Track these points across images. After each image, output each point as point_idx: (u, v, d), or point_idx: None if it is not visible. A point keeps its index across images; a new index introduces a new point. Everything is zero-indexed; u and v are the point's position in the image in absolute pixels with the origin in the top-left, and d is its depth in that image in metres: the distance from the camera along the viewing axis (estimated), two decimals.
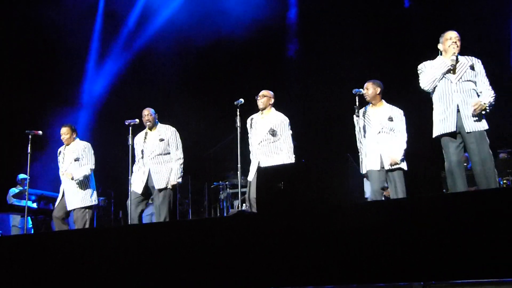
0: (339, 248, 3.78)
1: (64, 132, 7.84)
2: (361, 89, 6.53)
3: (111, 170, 10.62)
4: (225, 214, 9.83)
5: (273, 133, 6.88)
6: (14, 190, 10.68)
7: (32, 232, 9.72)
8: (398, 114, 6.60)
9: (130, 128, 7.31)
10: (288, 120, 7.04)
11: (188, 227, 4.74)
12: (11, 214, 10.24)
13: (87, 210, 7.59)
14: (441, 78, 5.64)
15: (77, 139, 7.91)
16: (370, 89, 6.59)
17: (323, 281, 3.75)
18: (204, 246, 4.33)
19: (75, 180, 7.53)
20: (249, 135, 7.10)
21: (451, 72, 5.62)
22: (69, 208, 7.57)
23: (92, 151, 7.83)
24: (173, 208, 7.31)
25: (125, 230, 5.53)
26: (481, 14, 9.24)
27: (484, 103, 5.49)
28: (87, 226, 7.51)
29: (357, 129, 6.57)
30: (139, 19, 12.55)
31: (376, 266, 3.61)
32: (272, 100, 7.06)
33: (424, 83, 5.73)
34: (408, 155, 6.55)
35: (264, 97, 7.00)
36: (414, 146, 9.61)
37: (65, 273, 4.89)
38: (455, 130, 5.51)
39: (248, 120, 7.13)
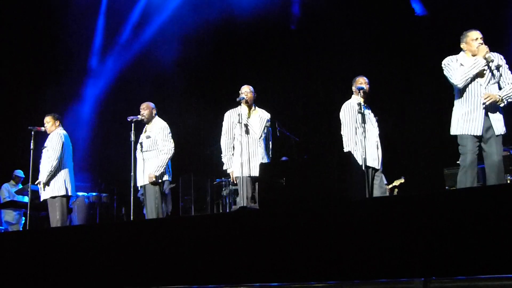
0: (341, 244, 3.79)
1: (46, 120, 7.78)
2: (363, 86, 6.56)
3: (114, 167, 10.65)
4: (227, 211, 9.85)
5: (266, 129, 7.03)
6: (6, 186, 10.72)
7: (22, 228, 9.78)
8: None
9: (133, 124, 7.31)
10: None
11: (191, 223, 4.76)
12: (5, 210, 10.27)
13: (59, 199, 7.52)
14: (473, 78, 5.68)
15: (59, 128, 7.82)
16: (367, 84, 6.66)
17: (325, 277, 3.77)
18: (206, 242, 4.35)
19: (45, 179, 7.53)
20: (230, 129, 7.08)
21: (480, 74, 5.65)
22: (42, 198, 7.60)
23: (62, 140, 7.64)
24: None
25: (127, 225, 5.55)
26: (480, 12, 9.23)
27: (499, 96, 5.57)
28: (63, 216, 7.48)
29: (352, 125, 6.60)
30: (142, 14, 12.53)
31: (378, 262, 3.62)
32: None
33: (458, 79, 5.69)
34: (410, 153, 6.58)
35: (251, 93, 7.08)
36: (417, 144, 9.65)
37: (68, 268, 4.91)
38: (480, 134, 5.59)
39: (232, 114, 7.11)
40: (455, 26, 6.95)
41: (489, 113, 5.60)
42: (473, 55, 5.71)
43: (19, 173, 10.73)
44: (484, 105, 5.58)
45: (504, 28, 9.26)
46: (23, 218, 10.28)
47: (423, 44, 9.70)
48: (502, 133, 5.61)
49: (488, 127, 5.58)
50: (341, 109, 6.70)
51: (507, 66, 5.77)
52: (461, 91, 5.74)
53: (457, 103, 5.82)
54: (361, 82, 6.63)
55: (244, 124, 6.87)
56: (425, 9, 10.27)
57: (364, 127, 6.33)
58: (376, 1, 10.33)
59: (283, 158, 9.25)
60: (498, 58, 5.75)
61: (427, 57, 9.10)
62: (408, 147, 9.57)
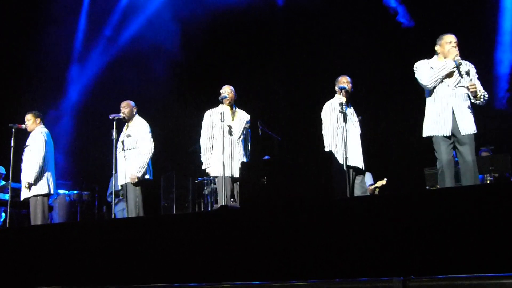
0: (321, 243, 3.81)
1: (27, 118, 7.74)
2: (345, 85, 6.57)
3: (95, 165, 10.58)
4: (209, 209, 9.84)
5: (245, 130, 7.06)
6: None
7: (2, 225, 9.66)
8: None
9: (114, 122, 7.27)
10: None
11: (172, 222, 4.75)
12: None
13: (42, 197, 7.50)
14: (442, 80, 5.76)
15: (40, 126, 7.79)
16: (350, 84, 6.67)
17: (306, 276, 3.78)
18: (188, 241, 4.35)
19: (32, 179, 7.47)
20: (210, 129, 7.08)
21: (449, 76, 5.75)
22: (23, 197, 7.54)
23: (45, 139, 7.62)
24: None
25: (109, 224, 5.53)
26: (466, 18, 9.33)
27: (479, 90, 5.69)
28: (44, 214, 7.45)
29: (333, 124, 6.56)
30: (125, 10, 12.45)
31: (358, 261, 3.64)
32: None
33: (427, 81, 5.79)
34: (392, 153, 6.62)
35: (232, 92, 7.10)
36: (398, 144, 9.70)
37: (49, 266, 4.88)
38: (450, 134, 5.66)
39: (212, 113, 7.12)
40: (438, 28, 7.01)
41: (458, 114, 5.67)
42: (445, 58, 5.82)
43: (0, 169, 10.61)
44: (475, 101, 5.70)
45: (483, 35, 9.40)
46: (3, 215, 10.17)
47: (406, 46, 9.75)
48: (472, 132, 5.66)
49: (458, 128, 5.65)
50: (323, 109, 6.70)
51: (477, 75, 5.89)
52: (430, 93, 5.84)
53: (427, 105, 5.91)
54: (343, 81, 6.64)
55: (228, 125, 6.89)
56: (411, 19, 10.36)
57: (345, 127, 6.36)
58: (360, 1, 10.39)
59: (266, 157, 9.26)
60: (469, 65, 5.87)
61: (409, 58, 9.16)
62: (389, 147, 9.63)
